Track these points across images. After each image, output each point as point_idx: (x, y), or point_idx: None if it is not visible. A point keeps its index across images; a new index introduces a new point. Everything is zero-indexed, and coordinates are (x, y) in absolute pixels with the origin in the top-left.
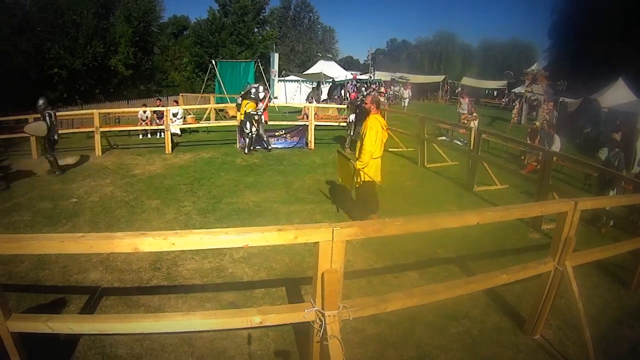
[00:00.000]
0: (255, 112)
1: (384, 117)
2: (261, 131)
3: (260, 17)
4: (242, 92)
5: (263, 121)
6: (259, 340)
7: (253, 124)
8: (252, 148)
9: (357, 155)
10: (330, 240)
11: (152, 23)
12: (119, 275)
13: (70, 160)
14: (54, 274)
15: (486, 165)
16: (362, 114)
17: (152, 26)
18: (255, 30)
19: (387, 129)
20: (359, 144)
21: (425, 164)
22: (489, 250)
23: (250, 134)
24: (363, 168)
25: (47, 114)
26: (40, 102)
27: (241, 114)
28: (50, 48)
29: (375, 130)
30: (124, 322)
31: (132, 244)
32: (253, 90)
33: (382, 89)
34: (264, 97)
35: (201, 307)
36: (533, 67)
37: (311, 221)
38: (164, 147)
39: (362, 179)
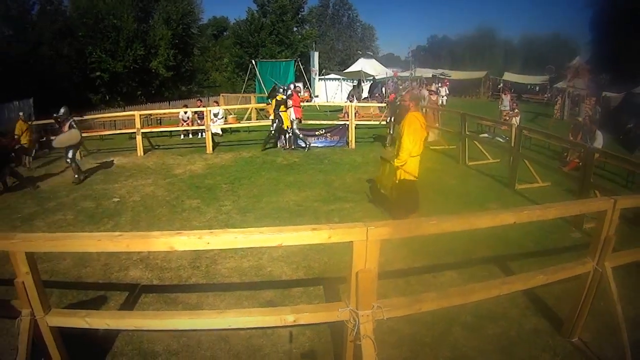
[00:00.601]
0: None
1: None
2: (295, 129)
3: (299, 16)
4: (269, 91)
5: (294, 118)
6: (295, 339)
7: (276, 121)
8: (267, 147)
9: (395, 154)
10: (364, 240)
11: (191, 25)
12: (159, 273)
13: (113, 161)
14: (95, 271)
15: (527, 162)
16: (401, 114)
17: (191, 28)
18: (295, 29)
19: (426, 127)
20: (397, 142)
21: (467, 161)
22: (529, 250)
23: (271, 131)
24: (401, 166)
25: (72, 122)
26: (62, 111)
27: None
28: (91, 52)
29: (413, 128)
30: (160, 318)
31: (167, 242)
32: (281, 90)
33: (433, 86)
34: (291, 95)
35: (238, 305)
36: (574, 62)
37: (351, 220)
38: (205, 147)
39: (401, 177)
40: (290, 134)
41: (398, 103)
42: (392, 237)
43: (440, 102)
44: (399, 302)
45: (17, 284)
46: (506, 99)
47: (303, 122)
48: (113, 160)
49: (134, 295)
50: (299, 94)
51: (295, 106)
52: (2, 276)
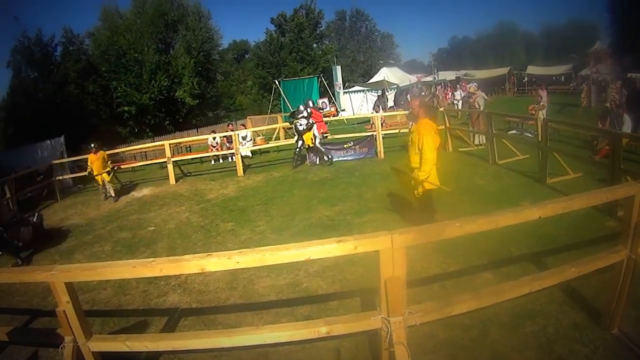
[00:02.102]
0: (301, 125)
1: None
2: (317, 145)
3: (317, 32)
4: (290, 113)
5: (318, 134)
6: (333, 351)
7: (300, 139)
8: (298, 163)
9: (417, 165)
10: (390, 248)
11: (211, 51)
12: (197, 296)
13: (146, 191)
14: (135, 299)
15: (557, 155)
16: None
17: (212, 54)
18: (314, 45)
19: (438, 133)
20: (411, 152)
21: (497, 160)
22: (564, 244)
23: (296, 149)
24: (427, 178)
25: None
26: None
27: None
28: (116, 87)
29: (431, 136)
30: (198, 338)
31: (198, 265)
32: (301, 108)
33: (472, 87)
34: (310, 114)
35: (276, 322)
36: (595, 46)
37: (385, 230)
38: (236, 170)
39: (425, 188)
40: (318, 150)
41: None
42: (417, 243)
43: (457, 105)
44: (430, 307)
45: (59, 313)
46: (544, 95)
47: (330, 136)
48: (146, 191)
49: (173, 319)
50: (321, 110)
51: (317, 122)
52: (45, 307)
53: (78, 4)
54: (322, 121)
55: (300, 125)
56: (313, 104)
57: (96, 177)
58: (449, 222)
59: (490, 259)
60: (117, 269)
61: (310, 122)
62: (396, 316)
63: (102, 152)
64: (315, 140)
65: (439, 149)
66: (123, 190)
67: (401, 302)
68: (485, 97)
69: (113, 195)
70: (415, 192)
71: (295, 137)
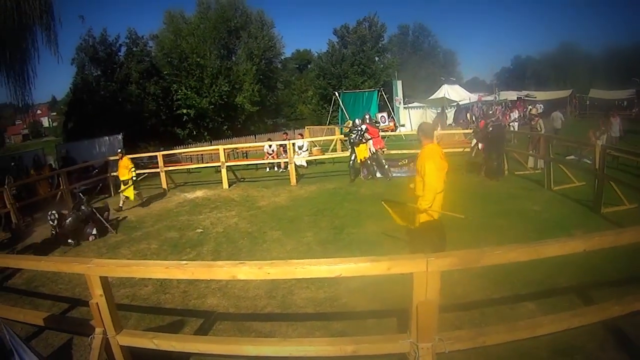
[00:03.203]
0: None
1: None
2: (373, 160)
3: (379, 45)
4: (346, 127)
5: (374, 150)
6: None
7: (354, 152)
8: (352, 177)
9: (419, 193)
10: (424, 271)
11: (273, 60)
12: (235, 301)
13: (199, 193)
14: (174, 298)
15: (613, 184)
16: (492, 143)
17: (274, 62)
18: (376, 58)
19: (443, 158)
20: (417, 179)
21: (552, 186)
22: (617, 277)
23: (349, 162)
24: (430, 207)
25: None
26: (119, 150)
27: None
28: (177, 90)
29: (432, 161)
30: (223, 344)
31: (230, 272)
32: (357, 122)
33: (534, 109)
34: (366, 130)
35: (310, 335)
36: None
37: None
38: (289, 179)
39: (423, 220)
40: (370, 166)
41: (490, 129)
42: (454, 268)
43: (511, 128)
44: (462, 335)
45: (92, 305)
46: (615, 122)
47: (387, 152)
48: (199, 193)
49: (209, 322)
50: (377, 125)
51: (373, 138)
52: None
53: (143, 7)
54: (379, 137)
55: (352, 139)
56: (370, 119)
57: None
58: (489, 248)
59: (535, 289)
60: (151, 268)
61: (366, 136)
62: (425, 342)
63: (126, 158)
64: (372, 156)
65: (448, 174)
66: (176, 191)
67: (432, 328)
68: (562, 119)
69: (120, 205)
70: (412, 223)
71: (350, 150)
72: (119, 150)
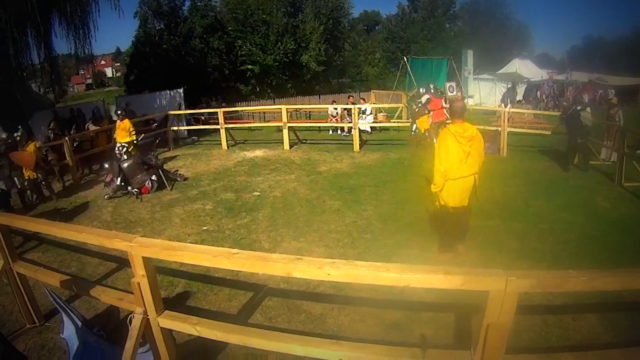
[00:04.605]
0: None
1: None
2: (430, 135)
3: (451, 12)
4: (409, 96)
5: (431, 124)
6: None
7: (414, 122)
8: (414, 149)
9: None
10: (502, 291)
11: (341, 19)
12: (287, 277)
13: (259, 152)
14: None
15: None
16: (573, 124)
17: (341, 22)
18: (447, 25)
19: (471, 142)
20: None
21: (622, 182)
22: None
23: (411, 132)
24: (439, 191)
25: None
26: (119, 112)
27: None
28: (241, 46)
29: (444, 145)
30: (270, 340)
31: (285, 268)
32: (422, 90)
33: (613, 98)
34: (428, 101)
35: (362, 323)
36: None
37: (496, 241)
38: (352, 144)
39: (439, 203)
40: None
41: (569, 112)
42: (534, 291)
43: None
44: None
45: (133, 284)
46: None
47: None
48: (259, 152)
49: (258, 296)
50: (443, 96)
51: (436, 109)
52: None
53: None
54: (442, 108)
55: (413, 109)
56: (435, 88)
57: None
58: (574, 273)
59: (599, 299)
60: (198, 254)
61: (428, 108)
62: None
63: (127, 121)
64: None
65: (469, 159)
66: (235, 149)
67: (498, 352)
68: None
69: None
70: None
71: (411, 120)
72: (119, 112)
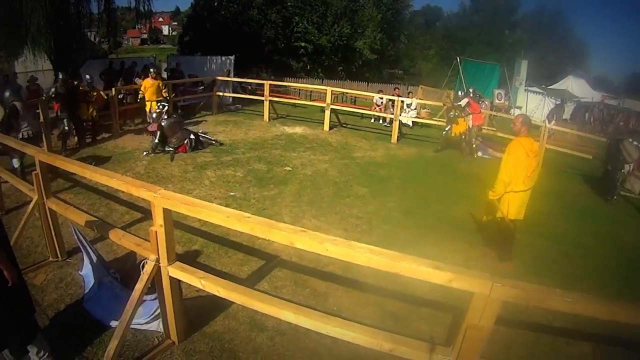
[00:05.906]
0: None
1: None
2: (469, 137)
3: (512, 19)
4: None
5: (472, 126)
6: None
7: (449, 124)
8: (439, 148)
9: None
10: (486, 295)
11: (401, 11)
12: (301, 251)
13: (298, 129)
14: (243, 234)
15: None
16: (611, 152)
17: (401, 14)
18: (506, 31)
19: (537, 156)
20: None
21: None
22: None
23: (443, 132)
24: (497, 200)
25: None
26: (151, 70)
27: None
28: (298, 22)
29: (514, 156)
30: (266, 303)
31: (289, 238)
32: (461, 94)
33: None
34: (467, 104)
35: (362, 308)
36: None
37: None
38: (391, 136)
39: (499, 215)
40: (468, 142)
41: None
42: (516, 301)
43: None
44: None
45: (151, 232)
46: None
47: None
48: (298, 129)
49: (268, 266)
50: (482, 101)
51: (474, 114)
52: None
53: None
54: (480, 113)
55: (451, 113)
56: (475, 93)
57: (147, 103)
58: (560, 291)
59: (596, 329)
60: (212, 213)
61: (467, 111)
62: None
63: (160, 80)
64: (466, 131)
65: (532, 174)
66: (276, 122)
67: (474, 355)
68: None
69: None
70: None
71: (446, 121)
72: (152, 70)
